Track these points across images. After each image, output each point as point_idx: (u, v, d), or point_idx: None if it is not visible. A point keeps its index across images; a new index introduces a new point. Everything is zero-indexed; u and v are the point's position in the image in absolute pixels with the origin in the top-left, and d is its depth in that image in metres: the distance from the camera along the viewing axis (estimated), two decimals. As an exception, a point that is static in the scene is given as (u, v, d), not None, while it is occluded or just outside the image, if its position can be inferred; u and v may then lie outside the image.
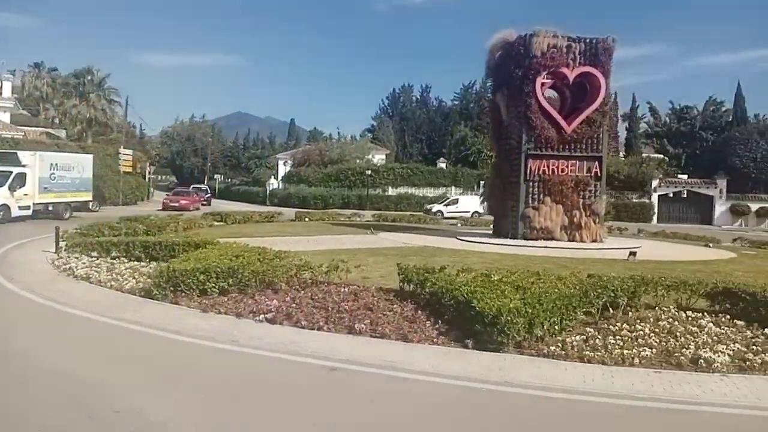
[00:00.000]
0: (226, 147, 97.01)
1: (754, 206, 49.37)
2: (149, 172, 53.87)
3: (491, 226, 22.54)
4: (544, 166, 19.33)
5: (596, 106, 19.36)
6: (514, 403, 5.56)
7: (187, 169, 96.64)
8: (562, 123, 19.34)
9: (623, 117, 71.37)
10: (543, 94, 19.87)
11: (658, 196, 50.01)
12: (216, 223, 24.05)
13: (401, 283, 9.61)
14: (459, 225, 30.01)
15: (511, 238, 19.49)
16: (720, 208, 49.73)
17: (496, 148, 22.59)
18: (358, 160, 57.88)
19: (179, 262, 10.24)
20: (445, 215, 39.70)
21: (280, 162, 64.62)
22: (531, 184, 19.39)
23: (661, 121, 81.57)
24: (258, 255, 10.78)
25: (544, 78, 19.41)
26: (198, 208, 38.30)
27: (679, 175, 56.26)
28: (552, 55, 19.18)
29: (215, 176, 78.63)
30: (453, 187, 52.62)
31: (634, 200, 49.29)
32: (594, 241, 19.23)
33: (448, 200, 45.70)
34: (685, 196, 50.25)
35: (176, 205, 38.11)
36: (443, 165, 57.77)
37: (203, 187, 50.18)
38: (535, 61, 19.13)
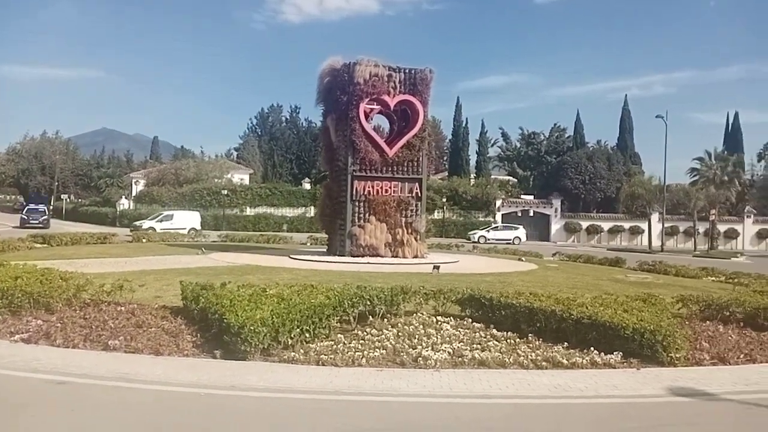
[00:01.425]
0: (77, 165, 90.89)
1: (585, 224, 54.79)
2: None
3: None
4: (369, 187, 20.41)
5: (415, 131, 20.81)
6: (215, 403, 5.99)
7: (33, 188, 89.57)
8: (384, 147, 20.60)
9: (478, 141, 76.37)
10: (367, 119, 21.09)
11: (502, 214, 53.96)
12: (37, 245, 22.66)
13: (183, 301, 9.85)
14: (309, 244, 30.49)
15: (339, 255, 20.32)
16: (555, 225, 54.62)
17: (327, 169, 23.45)
18: (216, 180, 56.86)
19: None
20: (158, 231, 36.65)
21: (135, 181, 61.81)
22: (357, 203, 20.36)
23: (512, 145, 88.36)
24: (40, 276, 10.50)
25: (366, 104, 20.58)
26: None
27: (523, 196, 61.08)
28: (374, 83, 20.40)
29: (62, 196, 73.22)
30: (312, 207, 53.22)
31: (480, 218, 52.80)
32: (415, 256, 20.52)
33: (161, 216, 43.16)
34: (520, 215, 54.61)
35: None
36: (308, 185, 58.35)
37: (40, 207, 46.52)
38: (358, 88, 20.25)
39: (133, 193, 58.26)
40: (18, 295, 9.38)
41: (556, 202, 54.74)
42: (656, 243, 47.46)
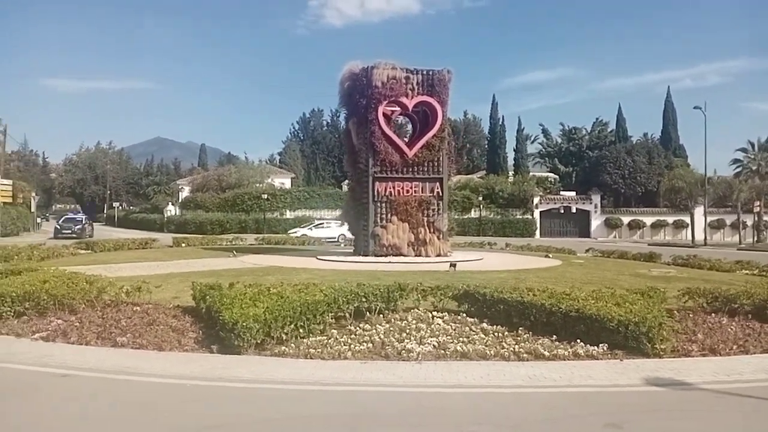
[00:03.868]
0: (129, 174, 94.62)
1: (626, 219, 53.68)
2: (35, 201, 51.88)
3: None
4: (390, 188, 20.77)
5: (434, 132, 21.06)
6: (199, 393, 6.48)
7: (87, 197, 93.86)
8: (404, 148, 20.94)
9: (516, 138, 75.73)
10: (387, 121, 21.48)
11: (540, 212, 53.41)
12: (81, 252, 23.94)
13: (193, 300, 10.45)
14: (342, 245, 31.11)
15: (363, 255, 20.76)
16: (596, 221, 53.70)
17: (350, 172, 23.91)
18: (257, 185, 58.28)
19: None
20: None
21: (181, 188, 63.98)
22: (379, 204, 20.76)
23: (552, 141, 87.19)
24: (66, 280, 11.30)
25: (385, 107, 20.96)
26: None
27: (564, 192, 60.26)
28: (391, 86, 20.76)
29: (114, 204, 76.43)
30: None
31: (518, 216, 52.43)
32: (438, 255, 20.74)
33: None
34: (562, 212, 53.93)
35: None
36: (347, 187, 59.08)
37: (77, 216, 47.97)
38: (376, 91, 20.64)
39: (180, 200, 60.22)
40: (44, 297, 10.15)
41: (596, 198, 53.81)
42: (701, 237, 46.18)
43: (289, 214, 51.82)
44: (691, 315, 10.59)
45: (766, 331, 9.68)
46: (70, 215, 49.26)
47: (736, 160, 46.28)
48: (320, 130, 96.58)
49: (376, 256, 20.29)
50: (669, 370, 7.51)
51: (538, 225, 52.60)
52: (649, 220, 53.10)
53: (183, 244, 28.72)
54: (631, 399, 6.46)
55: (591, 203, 53.64)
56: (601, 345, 8.24)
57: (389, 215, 20.74)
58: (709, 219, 51.66)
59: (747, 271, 20.20)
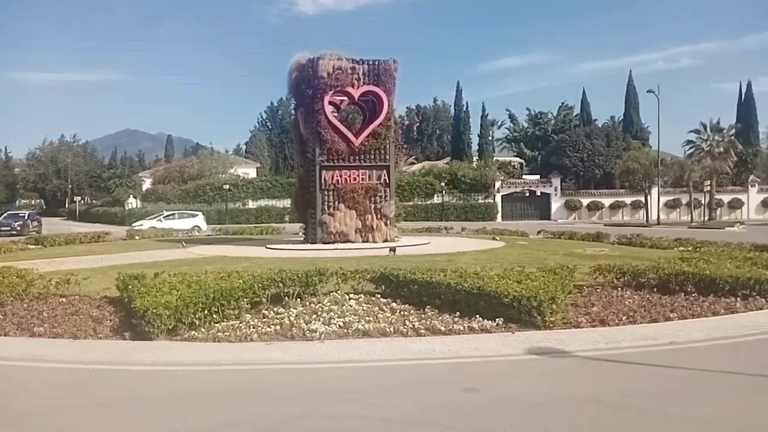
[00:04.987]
0: (92, 167, 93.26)
1: (585, 201, 54.88)
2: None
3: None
4: (337, 176, 21.16)
5: (380, 120, 21.45)
6: (98, 375, 6.86)
7: (49, 192, 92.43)
8: (351, 136, 21.29)
9: (490, 124, 76.58)
10: (337, 111, 21.83)
11: (502, 196, 54.31)
12: (31, 247, 23.87)
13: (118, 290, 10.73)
14: (300, 234, 31.28)
15: (312, 243, 21.15)
16: (556, 204, 54.80)
17: (300, 161, 24.21)
18: (221, 175, 58.11)
19: None
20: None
21: (143, 180, 63.45)
22: (326, 192, 21.13)
23: (519, 126, 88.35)
24: (-3, 275, 11.47)
25: (332, 96, 21.27)
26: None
27: (527, 176, 61.26)
28: (337, 76, 21.05)
29: (75, 198, 75.41)
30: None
31: (480, 201, 53.23)
32: (386, 240, 21.19)
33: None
34: (527, 195, 54.92)
35: None
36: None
37: (19, 213, 46.10)
38: (322, 82, 20.92)
39: (141, 192, 59.79)
40: (-31, 292, 10.35)
41: (556, 181, 54.89)
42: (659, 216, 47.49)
43: (251, 204, 51.89)
44: (598, 290, 11.24)
45: (663, 303, 10.33)
46: (11, 212, 46.88)
47: (689, 141, 47.66)
48: (288, 118, 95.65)
49: (324, 243, 20.68)
50: (553, 341, 8.07)
51: (500, 209, 53.46)
52: (607, 202, 54.39)
53: (137, 237, 28.73)
54: (503, 366, 7.01)
55: (551, 186, 54.70)
56: (497, 319, 8.78)
57: (336, 203, 21.13)
58: (665, 199, 53.13)
59: (682, 248, 21.07)
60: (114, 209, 57.37)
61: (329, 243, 20.65)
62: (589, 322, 9.08)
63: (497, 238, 24.69)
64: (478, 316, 8.93)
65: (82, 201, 76.37)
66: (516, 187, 55.29)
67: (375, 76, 21.54)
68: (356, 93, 21.40)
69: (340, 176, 21.18)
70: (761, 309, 10.28)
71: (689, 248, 20.75)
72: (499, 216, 52.68)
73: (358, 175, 21.33)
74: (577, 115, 79.57)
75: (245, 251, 19.99)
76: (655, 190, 48.20)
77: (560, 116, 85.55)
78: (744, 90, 69.03)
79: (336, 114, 22.05)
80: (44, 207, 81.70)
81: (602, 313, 9.49)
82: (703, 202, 49.60)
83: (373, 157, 21.51)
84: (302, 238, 23.78)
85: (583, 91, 77.20)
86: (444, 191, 52.54)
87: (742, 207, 54.02)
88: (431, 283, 9.77)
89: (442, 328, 8.53)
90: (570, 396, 5.76)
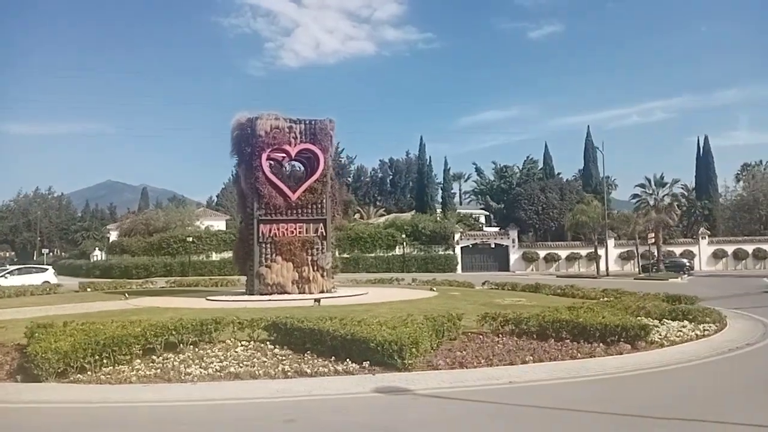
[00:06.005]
0: (62, 220, 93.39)
1: (542, 252, 56.29)
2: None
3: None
4: (274, 230, 22.16)
5: (316, 176, 22.67)
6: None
7: (19, 244, 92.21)
8: (288, 192, 22.42)
9: (453, 177, 78.53)
10: (278, 167, 23.02)
11: (462, 247, 55.54)
12: (-24, 300, 24.26)
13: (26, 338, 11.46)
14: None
15: (250, 295, 21.93)
16: (514, 255, 56.11)
17: (240, 215, 25.22)
18: (188, 227, 58.74)
19: None
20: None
21: (109, 233, 63.80)
22: (264, 245, 22.08)
23: (485, 180, 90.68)
24: None
25: (270, 153, 22.51)
26: None
27: (485, 228, 62.78)
28: (275, 135, 22.36)
29: (44, 251, 75.33)
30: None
31: (440, 252, 54.38)
32: (322, 291, 22.06)
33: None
34: (493, 246, 56.15)
35: None
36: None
37: None
38: (260, 140, 22.20)
39: (107, 245, 60.08)
40: None
41: (513, 233, 56.39)
42: (614, 268, 48.94)
43: (215, 257, 52.38)
44: (482, 336, 12.24)
45: (533, 348, 11.34)
46: None
47: (635, 195, 49.70)
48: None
49: (262, 294, 21.48)
50: (404, 381, 8.98)
51: (459, 260, 54.55)
52: (563, 254, 55.87)
53: (88, 289, 29.17)
54: (342, 403, 7.90)
55: (509, 238, 56.15)
56: (365, 363, 9.69)
57: (274, 255, 22.05)
58: (619, 250, 54.82)
59: (606, 298, 22.27)
60: (80, 261, 57.45)
61: (266, 294, 21.45)
62: (448, 365, 10.00)
63: (434, 288, 25.67)
64: (348, 359, 9.82)
65: (51, 253, 76.22)
66: (475, 239, 56.66)
67: (311, 134, 22.88)
68: (293, 150, 22.67)
69: (278, 229, 22.18)
70: (620, 354, 11.33)
71: (610, 297, 22.00)
72: (459, 267, 53.71)
73: (295, 229, 22.36)
74: (541, 169, 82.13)
75: (182, 302, 20.65)
76: (611, 242, 49.81)
77: (525, 170, 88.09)
78: (702, 144, 72.09)
79: (276, 170, 23.26)
80: (15, 260, 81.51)
81: (465, 357, 10.43)
82: (656, 254, 51.36)
83: (310, 211, 22.60)
84: (244, 290, 24.56)
85: (545, 146, 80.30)
86: (405, 243, 53.70)
87: (693, 258, 55.80)
88: (314, 331, 10.70)
89: (308, 371, 9.41)
90: (368, 425, 6.67)
